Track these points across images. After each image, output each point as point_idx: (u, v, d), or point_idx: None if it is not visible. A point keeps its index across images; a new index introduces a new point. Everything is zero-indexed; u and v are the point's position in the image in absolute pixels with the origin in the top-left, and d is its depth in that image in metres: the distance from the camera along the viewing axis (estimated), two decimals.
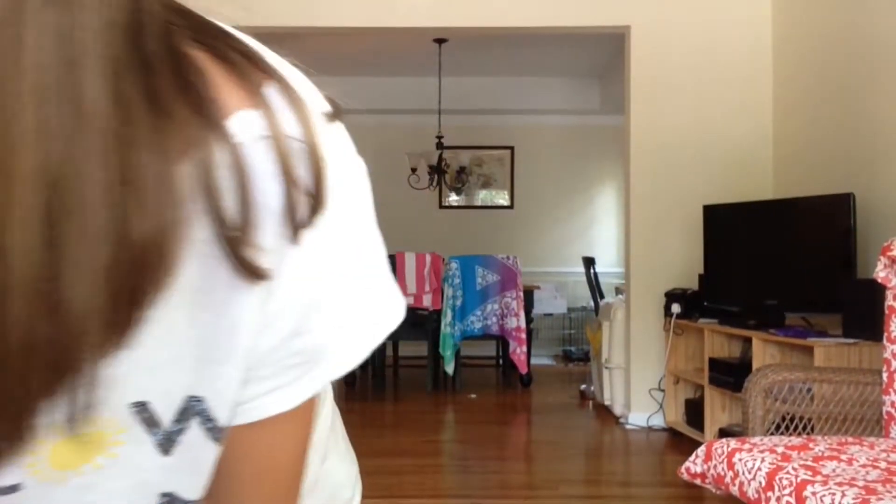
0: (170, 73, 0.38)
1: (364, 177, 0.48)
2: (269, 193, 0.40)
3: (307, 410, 0.49)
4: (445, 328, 5.83)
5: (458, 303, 5.88)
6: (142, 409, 0.42)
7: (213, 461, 0.46)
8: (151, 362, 0.41)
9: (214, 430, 0.44)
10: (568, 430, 4.76)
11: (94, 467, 0.43)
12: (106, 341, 0.37)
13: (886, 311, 2.47)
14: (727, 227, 4.31)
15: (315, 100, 0.45)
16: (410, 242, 7.28)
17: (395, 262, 5.88)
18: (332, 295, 0.45)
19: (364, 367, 6.80)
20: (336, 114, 0.46)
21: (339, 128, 0.46)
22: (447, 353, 5.83)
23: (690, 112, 4.69)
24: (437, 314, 5.89)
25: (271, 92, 0.42)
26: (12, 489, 0.42)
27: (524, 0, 4.72)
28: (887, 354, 2.46)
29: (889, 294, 2.47)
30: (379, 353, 6.20)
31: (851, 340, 3.18)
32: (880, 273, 2.47)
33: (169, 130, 0.37)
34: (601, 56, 6.81)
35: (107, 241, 0.35)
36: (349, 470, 0.73)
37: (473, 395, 5.76)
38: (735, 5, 4.69)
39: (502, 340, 6.20)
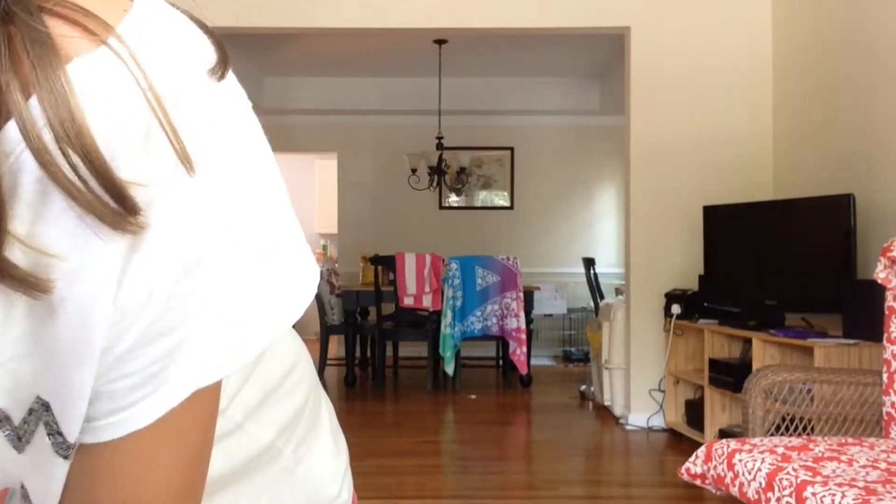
0: None
1: (256, 135, 0.42)
2: (49, 197, 0.35)
3: (181, 430, 0.41)
4: (445, 329, 5.83)
5: (458, 303, 5.88)
6: None
7: (61, 479, 0.41)
8: None
9: (61, 446, 0.40)
10: (568, 430, 4.76)
11: None
12: None
13: (886, 312, 2.47)
14: (727, 227, 4.31)
15: (188, 54, 0.39)
16: (410, 243, 7.29)
17: (395, 263, 5.89)
18: (204, 281, 0.39)
19: (364, 367, 6.80)
20: (222, 64, 0.40)
21: (226, 83, 0.40)
22: (447, 353, 5.83)
23: (690, 112, 4.69)
24: (437, 315, 5.89)
25: (90, 59, 0.36)
26: None
27: (524, 0, 4.72)
28: (887, 355, 2.46)
29: (889, 295, 2.47)
30: (379, 353, 6.21)
31: (851, 341, 3.18)
32: (880, 274, 2.46)
33: None
34: (601, 56, 6.81)
35: None
36: (335, 465, 0.68)
37: (473, 396, 5.76)
38: (735, 6, 4.69)
39: (502, 341, 6.20)
